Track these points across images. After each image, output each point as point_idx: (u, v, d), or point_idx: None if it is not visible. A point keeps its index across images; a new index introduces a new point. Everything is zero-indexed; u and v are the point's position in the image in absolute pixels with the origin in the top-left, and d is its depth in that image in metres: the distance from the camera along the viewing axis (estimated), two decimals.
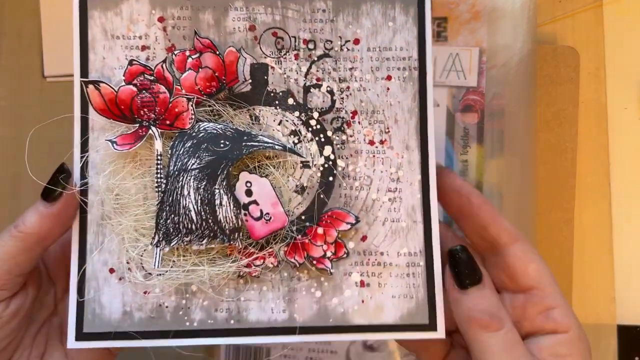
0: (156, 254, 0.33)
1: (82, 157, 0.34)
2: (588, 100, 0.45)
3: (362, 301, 0.34)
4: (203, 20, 0.35)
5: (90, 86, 0.33)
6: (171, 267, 0.33)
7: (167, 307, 0.33)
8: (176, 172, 0.33)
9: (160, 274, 0.33)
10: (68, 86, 0.46)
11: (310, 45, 0.35)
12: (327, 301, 0.34)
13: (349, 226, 0.34)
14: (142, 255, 0.33)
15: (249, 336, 0.33)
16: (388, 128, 0.35)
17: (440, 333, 0.33)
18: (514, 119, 0.43)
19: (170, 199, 0.33)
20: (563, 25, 0.46)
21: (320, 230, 0.34)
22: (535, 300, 0.33)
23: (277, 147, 0.34)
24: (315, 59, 0.35)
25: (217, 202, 0.33)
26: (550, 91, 0.45)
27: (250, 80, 0.35)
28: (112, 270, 0.34)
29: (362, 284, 0.34)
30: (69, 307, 0.33)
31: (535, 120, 0.44)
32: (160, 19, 0.35)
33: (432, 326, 0.33)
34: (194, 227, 0.33)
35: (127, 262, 0.33)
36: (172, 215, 0.33)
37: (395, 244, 0.34)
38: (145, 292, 0.33)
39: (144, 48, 0.35)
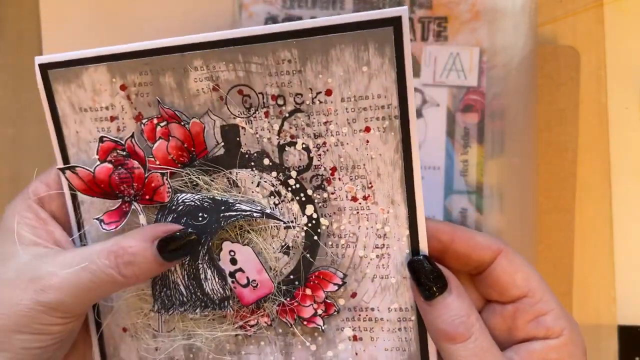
0: (159, 319, 0.35)
1: (80, 235, 0.35)
2: (589, 100, 0.43)
3: (356, 354, 0.34)
4: (165, 85, 0.33)
5: (67, 172, 0.33)
6: (174, 330, 0.35)
7: None
8: None
9: (165, 336, 0.36)
10: None
11: (280, 101, 0.32)
12: (322, 354, 0.35)
13: (336, 287, 0.33)
14: (148, 320, 0.36)
15: None
16: (371, 183, 0.32)
17: None
18: (514, 119, 0.42)
19: (161, 274, 0.34)
20: (564, 25, 0.43)
21: (308, 292, 0.34)
22: (525, 308, 0.32)
23: (255, 214, 0.33)
24: (287, 115, 0.32)
25: (202, 276, 0.33)
26: (550, 91, 0.42)
27: (222, 144, 0.33)
28: (124, 330, 0.37)
29: (354, 338, 0.34)
30: None
31: (536, 120, 0.42)
32: (122, 87, 0.33)
33: None
34: (185, 299, 0.34)
35: (134, 324, 0.36)
36: (165, 289, 0.34)
37: (386, 300, 0.34)
38: (156, 349, 0.36)
39: (112, 118, 0.34)
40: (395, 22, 0.30)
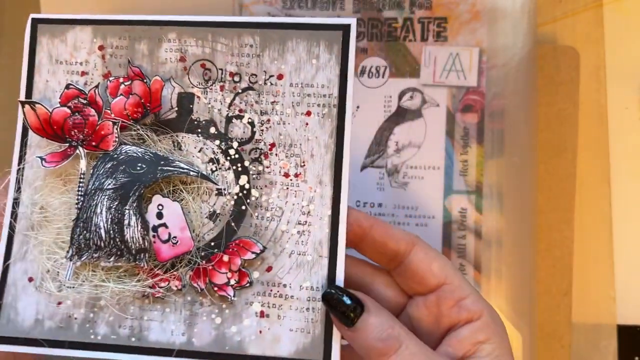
0: (69, 267, 0.35)
1: (17, 171, 0.36)
2: (588, 100, 0.45)
3: (260, 331, 0.34)
4: (138, 50, 0.37)
5: (27, 106, 0.36)
6: (81, 280, 0.35)
7: (75, 318, 0.35)
8: (92, 191, 0.34)
9: (70, 287, 0.35)
10: None
11: (236, 78, 0.36)
12: (226, 328, 0.34)
13: (254, 255, 0.34)
14: (58, 268, 0.35)
15: (147, 355, 0.34)
16: (304, 162, 0.35)
17: None
18: (514, 119, 0.43)
19: (85, 215, 0.34)
20: (563, 25, 0.45)
21: (225, 258, 0.34)
22: (446, 295, 0.33)
23: (191, 173, 0.35)
24: (240, 91, 0.36)
25: (126, 222, 0.34)
26: (550, 91, 0.44)
27: (176, 108, 0.36)
28: (30, 279, 0.35)
29: (262, 314, 0.34)
30: None
31: (536, 120, 0.43)
32: (100, 47, 0.37)
33: None
34: (102, 244, 0.34)
35: (44, 273, 0.35)
36: (85, 232, 0.34)
37: (299, 277, 0.34)
38: (58, 303, 0.35)
39: (83, 73, 0.37)
40: (345, 28, 0.36)
